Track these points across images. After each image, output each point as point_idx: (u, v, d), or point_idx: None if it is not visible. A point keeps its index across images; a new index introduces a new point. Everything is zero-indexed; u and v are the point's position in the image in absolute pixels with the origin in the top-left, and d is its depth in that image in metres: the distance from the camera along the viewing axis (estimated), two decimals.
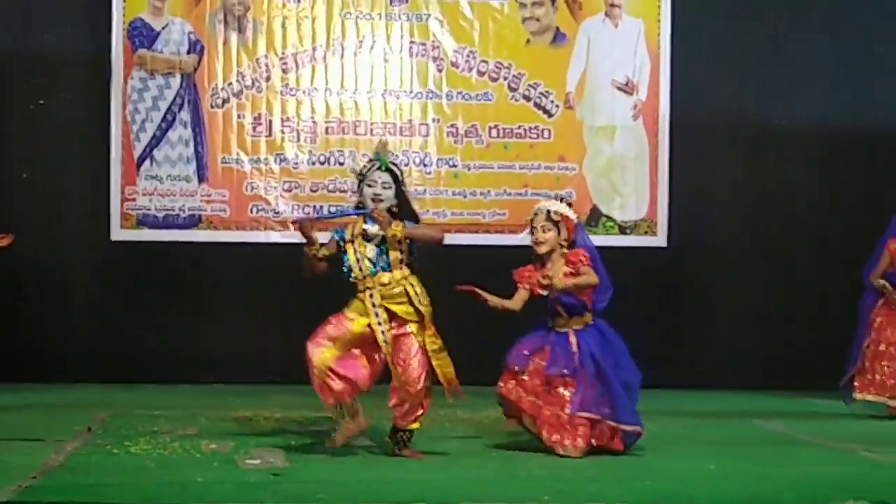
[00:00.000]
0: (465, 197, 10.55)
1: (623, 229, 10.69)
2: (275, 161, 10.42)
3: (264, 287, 10.27)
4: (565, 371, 6.68)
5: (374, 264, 6.59)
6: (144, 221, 10.33)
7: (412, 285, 6.61)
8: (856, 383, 8.80)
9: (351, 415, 6.61)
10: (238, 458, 6.40)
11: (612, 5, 10.68)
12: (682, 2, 10.73)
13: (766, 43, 10.88)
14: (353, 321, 6.57)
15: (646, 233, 10.72)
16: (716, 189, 10.85)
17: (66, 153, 10.32)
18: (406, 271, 6.63)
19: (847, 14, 10.96)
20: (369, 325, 6.54)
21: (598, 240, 10.29)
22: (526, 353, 6.81)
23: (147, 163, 10.33)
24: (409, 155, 10.49)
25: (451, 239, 10.21)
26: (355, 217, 6.74)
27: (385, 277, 6.59)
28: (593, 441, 6.64)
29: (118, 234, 10.31)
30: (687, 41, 10.72)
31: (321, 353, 6.50)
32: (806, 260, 10.83)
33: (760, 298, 10.82)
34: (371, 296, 6.57)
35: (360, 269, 6.60)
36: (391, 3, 10.53)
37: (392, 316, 6.57)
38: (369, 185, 6.65)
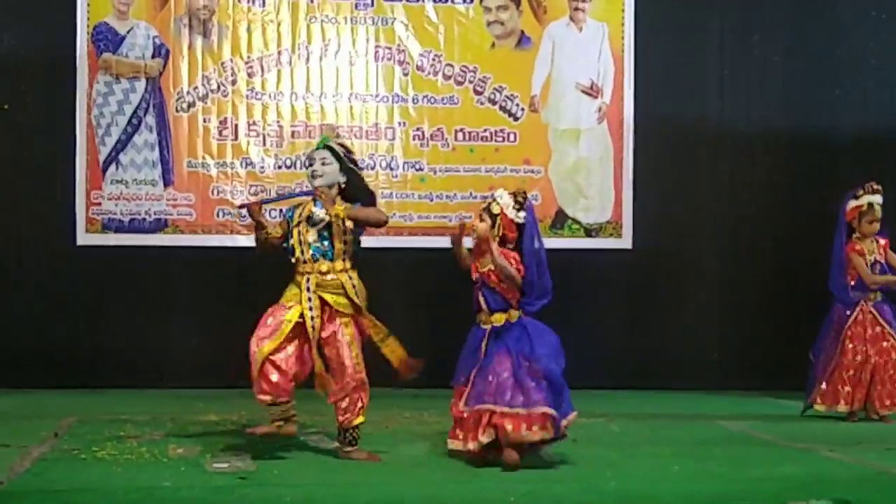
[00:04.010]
0: (431, 200, 10.58)
1: (588, 232, 10.74)
2: (241, 165, 10.42)
3: (230, 291, 10.26)
4: (467, 376, 6.62)
5: (316, 250, 6.63)
6: (110, 226, 10.31)
7: (350, 278, 6.65)
8: (816, 394, 8.82)
9: (284, 418, 6.58)
10: (205, 462, 6.41)
11: (577, 9, 10.74)
12: (645, 5, 10.80)
13: (729, 45, 10.96)
14: (289, 310, 6.61)
15: (611, 235, 10.77)
16: (680, 191, 10.91)
17: (32, 157, 10.27)
18: (347, 264, 6.67)
19: (808, 17, 11.05)
20: (303, 314, 6.58)
21: (564, 242, 10.47)
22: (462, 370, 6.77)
23: (113, 167, 10.31)
24: (375, 158, 10.51)
25: (417, 242, 10.42)
26: (305, 198, 6.80)
27: (324, 266, 6.63)
28: (506, 433, 6.37)
29: (84, 238, 10.26)
30: (650, 44, 10.79)
31: (262, 347, 6.53)
32: (769, 262, 10.91)
33: (724, 300, 10.90)
34: (307, 280, 6.61)
35: (301, 253, 6.66)
36: (356, 7, 10.55)
37: (324, 305, 6.60)
38: (310, 165, 6.75)
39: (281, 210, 8.94)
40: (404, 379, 6.83)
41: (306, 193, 6.82)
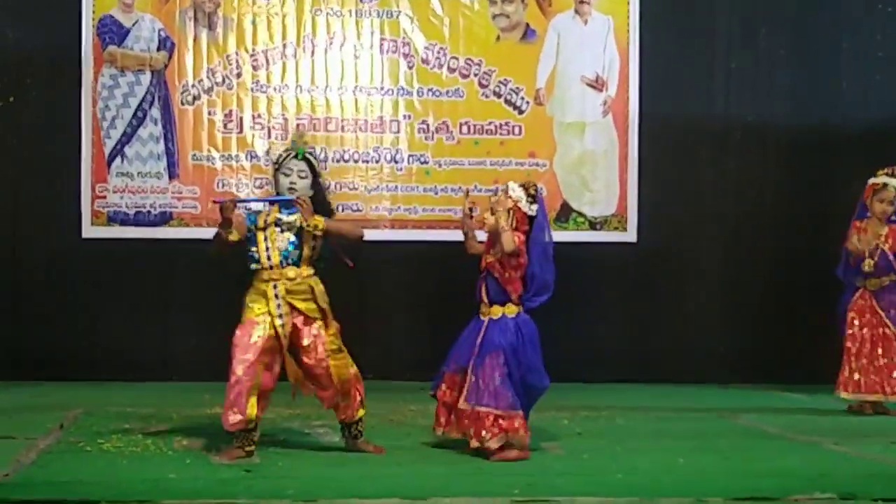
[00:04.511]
0: (436, 193, 10.57)
1: (593, 225, 10.73)
2: (246, 158, 10.41)
3: (235, 285, 10.23)
4: (462, 364, 6.64)
5: (285, 256, 6.54)
6: (115, 218, 10.30)
7: (316, 283, 6.59)
8: (839, 381, 8.75)
9: (253, 442, 6.49)
10: (210, 455, 6.42)
11: (582, 2, 10.70)
12: None
13: (735, 39, 10.93)
14: (260, 325, 6.48)
15: (616, 228, 10.75)
16: (685, 185, 10.88)
17: (37, 150, 10.26)
18: (311, 270, 6.60)
19: (814, 10, 11.03)
20: (274, 326, 6.46)
21: (569, 235, 10.45)
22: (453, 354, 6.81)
23: (118, 160, 10.30)
24: (380, 151, 10.51)
25: (422, 235, 10.42)
26: (278, 202, 6.64)
27: (292, 272, 6.54)
28: (502, 433, 6.49)
29: (89, 231, 10.25)
30: (656, 37, 10.76)
31: (256, 373, 6.41)
32: (774, 255, 10.88)
33: (729, 293, 10.87)
34: (275, 287, 6.51)
35: (269, 259, 6.55)
36: (361, 0, 10.54)
37: (295, 312, 6.51)
38: (285, 174, 6.62)
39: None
40: (304, 394, 6.71)
41: (286, 201, 6.62)
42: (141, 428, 7.31)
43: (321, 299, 6.57)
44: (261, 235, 6.57)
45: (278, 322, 6.47)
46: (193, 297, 10.41)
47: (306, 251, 6.57)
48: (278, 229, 6.57)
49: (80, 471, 5.96)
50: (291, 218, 6.56)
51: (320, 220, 6.54)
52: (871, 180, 8.75)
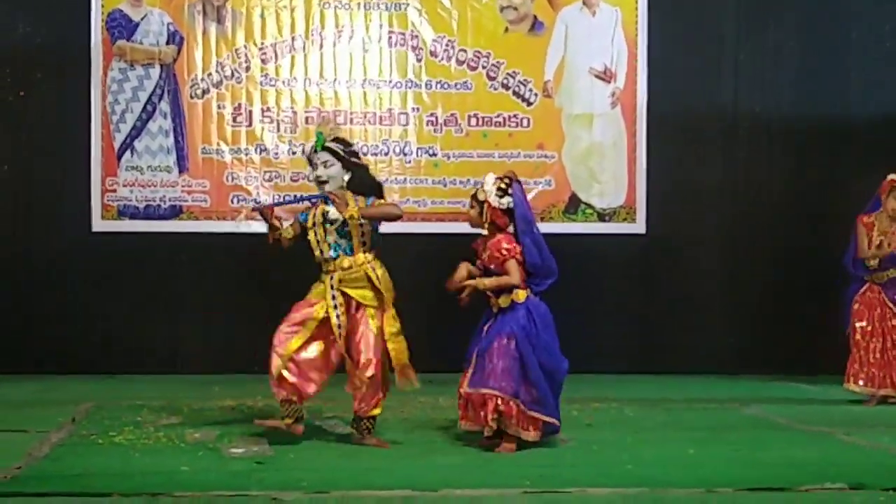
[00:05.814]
0: (444, 186, 10.58)
1: (602, 216, 10.73)
2: (255, 151, 10.43)
3: (245, 277, 10.28)
4: (470, 356, 6.64)
5: (335, 248, 6.63)
6: (125, 212, 10.33)
7: (374, 269, 6.64)
8: (849, 372, 8.73)
9: (295, 418, 6.59)
10: (222, 447, 6.44)
11: None
12: None
13: (743, 31, 10.92)
14: (314, 307, 6.63)
15: (625, 220, 10.76)
16: (693, 176, 10.87)
17: (47, 145, 10.29)
18: (369, 255, 6.66)
19: (823, 3, 11.01)
20: (328, 312, 6.59)
21: (578, 227, 10.47)
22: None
23: (128, 154, 10.33)
24: (388, 144, 10.52)
25: (431, 228, 10.42)
26: (317, 199, 6.74)
27: (346, 261, 6.62)
28: (497, 422, 6.44)
29: (99, 225, 10.29)
30: (664, 29, 10.75)
31: (288, 344, 6.56)
32: (782, 246, 10.87)
33: (738, 284, 10.86)
34: (331, 277, 6.62)
35: (321, 253, 6.66)
36: None
37: (349, 300, 6.60)
38: (313, 168, 6.72)
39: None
40: (398, 384, 6.79)
41: (319, 198, 6.73)
42: (153, 421, 7.33)
43: (380, 284, 6.63)
44: (311, 233, 6.71)
45: (333, 314, 6.58)
46: (204, 290, 10.43)
47: (356, 239, 6.63)
48: (326, 224, 6.65)
49: (93, 464, 5.98)
50: (335, 212, 6.62)
51: (354, 210, 6.56)
52: (890, 176, 8.63)
